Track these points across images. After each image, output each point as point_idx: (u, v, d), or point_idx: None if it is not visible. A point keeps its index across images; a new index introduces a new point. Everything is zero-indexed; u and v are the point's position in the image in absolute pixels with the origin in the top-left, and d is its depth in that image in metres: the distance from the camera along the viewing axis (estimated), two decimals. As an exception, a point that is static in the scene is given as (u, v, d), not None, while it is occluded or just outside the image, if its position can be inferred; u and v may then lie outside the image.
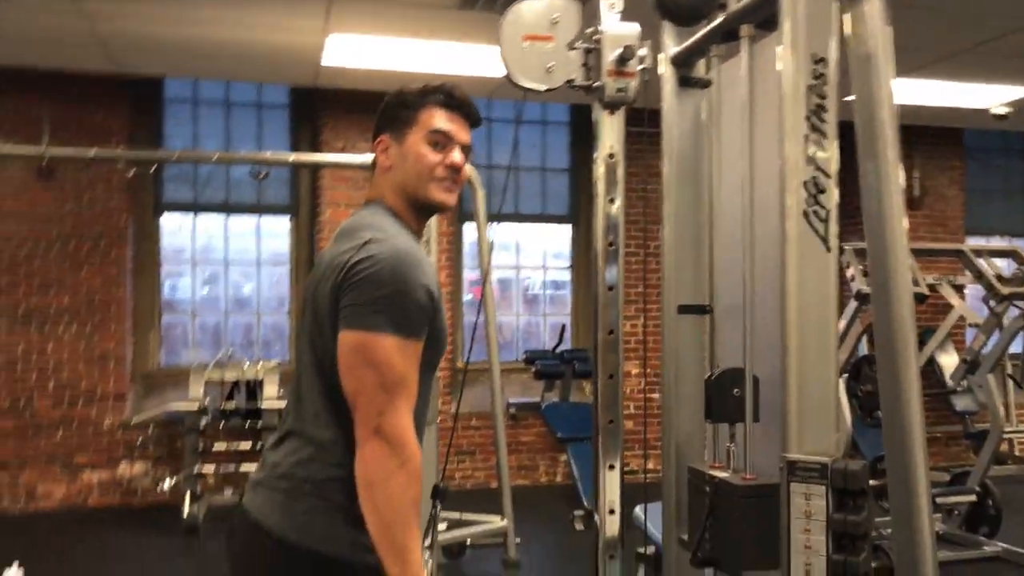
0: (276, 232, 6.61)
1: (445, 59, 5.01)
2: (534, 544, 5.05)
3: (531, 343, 7.19)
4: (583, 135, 6.94)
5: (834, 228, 1.57)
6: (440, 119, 1.67)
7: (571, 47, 1.81)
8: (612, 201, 1.96)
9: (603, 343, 2.01)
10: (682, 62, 2.05)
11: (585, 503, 5.46)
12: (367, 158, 4.80)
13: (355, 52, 5.08)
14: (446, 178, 1.68)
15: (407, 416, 1.50)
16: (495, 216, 6.80)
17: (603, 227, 1.99)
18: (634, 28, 1.82)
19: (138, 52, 5.17)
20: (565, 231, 7.26)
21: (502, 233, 7.05)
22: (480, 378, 5.76)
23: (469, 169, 4.77)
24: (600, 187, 1.98)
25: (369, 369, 1.48)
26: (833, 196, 1.57)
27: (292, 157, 4.97)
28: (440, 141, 1.67)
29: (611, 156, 1.92)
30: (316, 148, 6.29)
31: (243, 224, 6.56)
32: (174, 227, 6.47)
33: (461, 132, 1.70)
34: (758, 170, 1.81)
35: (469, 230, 6.87)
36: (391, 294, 1.50)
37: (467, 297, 7.07)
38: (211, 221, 6.50)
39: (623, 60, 1.79)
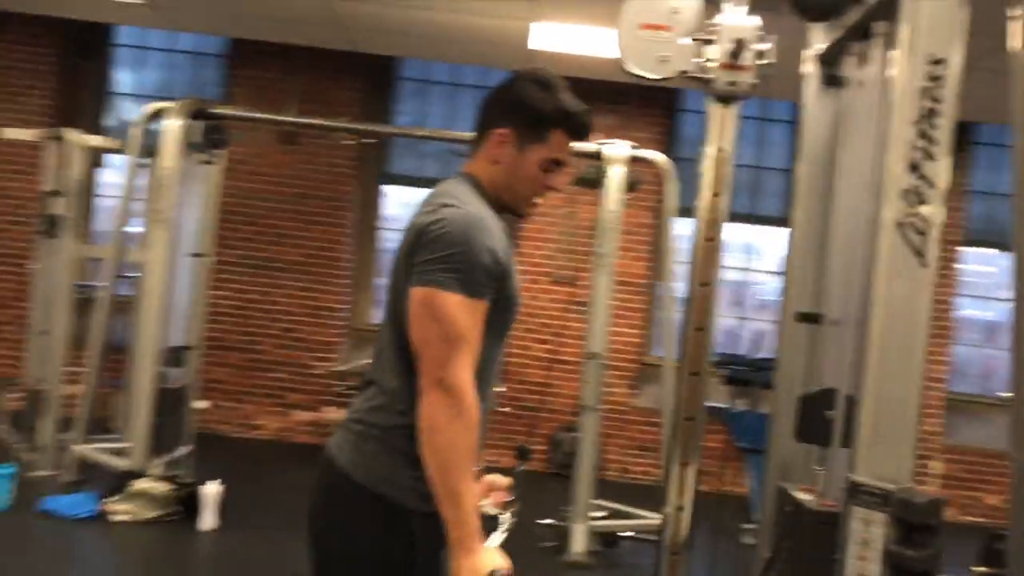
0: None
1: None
2: (696, 549, 4.95)
3: (737, 347, 7.00)
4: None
5: (934, 243, 1.46)
6: (564, 148, 1.73)
7: (692, 39, 1.79)
8: (717, 195, 1.91)
9: (691, 339, 1.97)
10: (828, 60, 1.96)
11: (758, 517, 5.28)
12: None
13: (560, 39, 5.20)
14: (536, 202, 1.76)
15: (468, 370, 1.59)
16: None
17: (705, 221, 1.95)
18: (752, 21, 1.77)
19: (370, 32, 5.59)
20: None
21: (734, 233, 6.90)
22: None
23: (663, 160, 4.77)
24: (706, 180, 1.94)
25: (434, 323, 1.58)
26: (936, 209, 1.46)
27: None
28: (554, 169, 1.74)
29: (720, 151, 1.88)
30: (530, 131, 6.49)
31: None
32: (395, 197, 6.96)
33: (574, 164, 1.78)
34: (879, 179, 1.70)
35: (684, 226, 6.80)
36: (458, 254, 1.58)
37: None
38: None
39: (736, 53, 1.74)
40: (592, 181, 4.68)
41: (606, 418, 6.17)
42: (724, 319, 7.08)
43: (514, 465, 1.87)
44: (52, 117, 6.54)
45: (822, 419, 1.73)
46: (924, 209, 1.46)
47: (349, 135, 5.44)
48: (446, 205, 1.64)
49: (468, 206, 1.65)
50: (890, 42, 1.69)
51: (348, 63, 6.42)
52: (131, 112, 6.96)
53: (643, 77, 1.80)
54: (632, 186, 4.71)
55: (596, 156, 4.67)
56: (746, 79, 1.75)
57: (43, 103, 6.56)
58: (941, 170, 1.46)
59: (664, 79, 1.79)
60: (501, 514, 1.83)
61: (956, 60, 1.46)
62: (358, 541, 1.66)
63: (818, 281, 1.96)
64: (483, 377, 1.67)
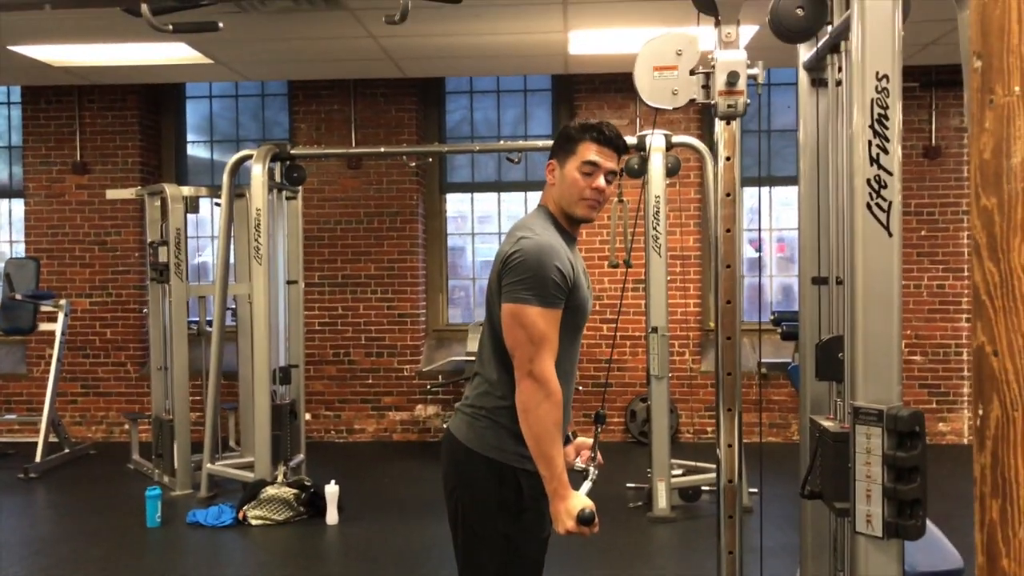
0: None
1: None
2: (772, 495, 5.34)
3: (793, 304, 7.34)
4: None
5: (896, 217, 1.88)
6: (592, 153, 2.16)
7: (692, 72, 2.24)
8: (728, 195, 2.36)
9: (723, 311, 2.42)
10: (812, 67, 2.39)
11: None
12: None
13: (596, 42, 5.63)
14: (590, 199, 2.17)
15: (550, 362, 2.08)
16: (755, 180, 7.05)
17: (723, 216, 2.40)
18: (740, 55, 2.20)
19: (417, 60, 6.10)
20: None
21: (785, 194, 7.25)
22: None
23: (695, 142, 5.18)
24: (720, 185, 2.39)
25: (521, 329, 2.07)
26: (895, 190, 1.88)
27: (540, 143, 5.64)
28: (590, 171, 2.16)
29: (728, 159, 2.33)
30: (573, 128, 6.95)
31: (514, 199, 7.41)
32: (456, 204, 7.49)
33: (608, 161, 2.17)
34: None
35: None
36: (533, 276, 2.06)
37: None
38: (487, 198, 7.43)
39: (731, 83, 2.18)
40: (637, 171, 5.12)
41: (675, 385, 6.62)
42: (779, 278, 7.44)
43: (594, 431, 2.33)
44: (143, 172, 7.24)
45: (836, 360, 2.16)
46: (884, 192, 1.88)
47: (408, 156, 5.98)
48: (523, 237, 2.13)
49: (539, 235, 2.13)
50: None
51: (398, 86, 6.95)
52: (204, 159, 7.63)
53: (662, 109, 2.25)
54: (672, 170, 5.13)
55: (639, 147, 5.11)
56: (742, 101, 2.20)
57: (133, 160, 7.24)
58: (894, 159, 1.89)
59: (676, 108, 2.24)
60: (588, 468, 2.30)
61: (897, 72, 1.88)
62: (481, 493, 2.16)
63: (823, 249, 2.39)
64: (564, 367, 2.15)
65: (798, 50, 2.45)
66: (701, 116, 6.91)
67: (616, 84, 6.83)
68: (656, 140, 5.08)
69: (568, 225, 2.23)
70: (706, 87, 2.27)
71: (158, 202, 5.91)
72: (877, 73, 1.88)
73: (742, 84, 2.20)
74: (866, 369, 1.91)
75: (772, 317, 6.87)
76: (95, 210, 7.20)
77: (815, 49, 2.34)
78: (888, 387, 1.90)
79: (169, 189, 5.73)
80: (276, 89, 7.40)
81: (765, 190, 7.20)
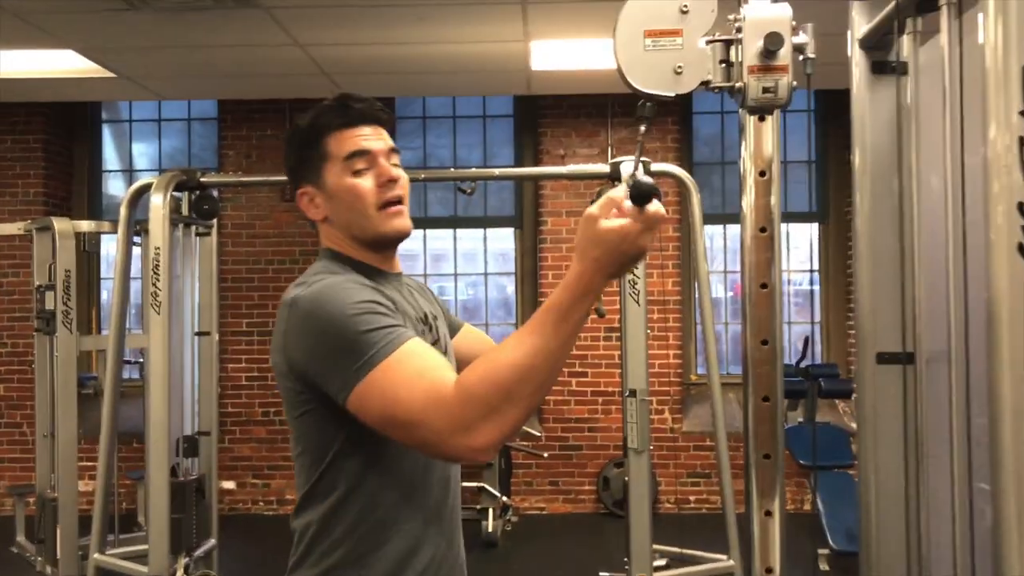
0: (503, 242, 6.60)
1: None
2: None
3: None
4: (834, 122, 6.25)
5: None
6: (349, 140, 1.43)
7: (707, 42, 1.44)
8: (764, 231, 1.55)
9: (756, 356, 1.61)
10: (874, 43, 1.61)
11: (831, 541, 4.86)
12: (581, 168, 4.58)
13: (562, 55, 4.88)
14: (391, 199, 1.43)
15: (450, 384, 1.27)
16: (718, 217, 6.34)
17: (754, 264, 1.59)
18: (784, 11, 1.41)
19: (356, 76, 5.31)
20: (807, 230, 6.58)
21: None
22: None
23: (676, 170, 4.41)
24: (748, 218, 1.58)
25: (382, 402, 1.28)
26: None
27: (497, 171, 4.86)
28: (365, 165, 1.43)
29: (763, 174, 1.52)
30: (538, 156, 6.19)
31: (471, 236, 6.62)
32: (407, 242, 6.66)
33: (378, 140, 1.45)
34: (968, 175, 1.34)
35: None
36: (336, 330, 1.27)
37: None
38: (442, 234, 6.63)
39: (769, 52, 1.39)
40: (609, 204, 4.33)
41: (652, 447, 5.80)
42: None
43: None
44: (47, 205, 6.34)
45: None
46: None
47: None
48: (292, 300, 1.37)
49: (317, 281, 1.38)
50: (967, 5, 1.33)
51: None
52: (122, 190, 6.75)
53: (655, 96, 1.44)
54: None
55: (610, 176, 4.32)
56: (784, 83, 1.40)
57: (36, 191, 6.35)
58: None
59: (680, 94, 1.44)
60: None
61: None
62: None
63: (900, 311, 1.59)
64: (402, 479, 1.37)
65: (850, 19, 1.67)
66: (680, 142, 6.20)
67: (586, 108, 6.08)
68: (625, 167, 4.31)
69: (380, 258, 1.47)
70: (727, 63, 1.46)
71: (48, 239, 5.02)
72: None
73: (785, 56, 1.40)
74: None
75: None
76: (-11, 247, 6.28)
77: (879, 18, 1.57)
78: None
79: (57, 224, 4.84)
80: (205, 112, 6.57)
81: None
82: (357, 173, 1.42)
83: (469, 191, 4.80)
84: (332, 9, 4.09)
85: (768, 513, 1.74)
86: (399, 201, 1.44)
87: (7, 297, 6.32)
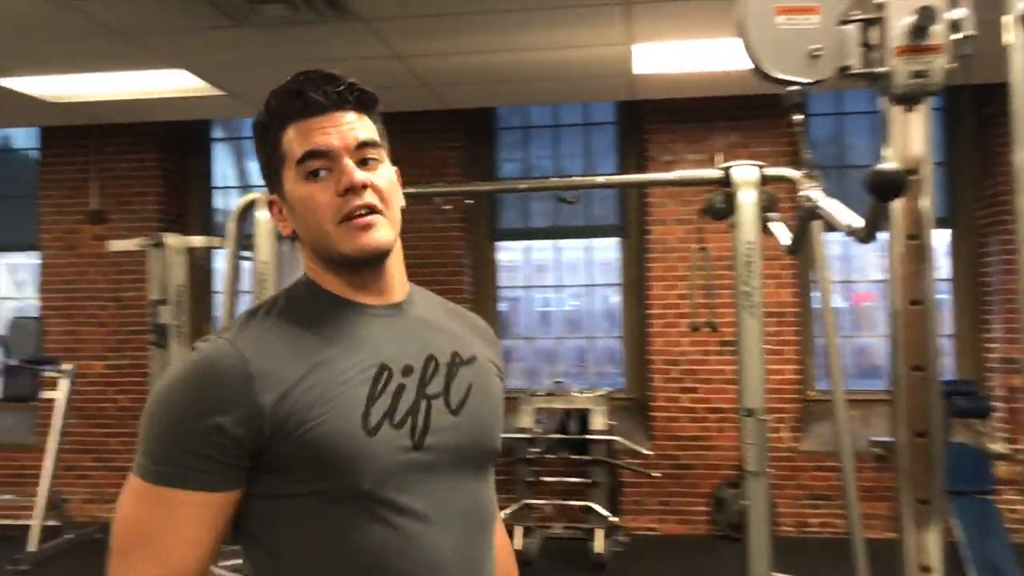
0: (606, 253, 6.43)
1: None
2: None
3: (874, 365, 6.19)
4: (961, 120, 5.82)
5: None
6: (303, 136, 1.14)
7: (844, 22, 1.25)
8: (915, 239, 1.34)
9: (907, 384, 1.39)
10: (1043, 17, 1.37)
11: (970, 573, 4.47)
12: (691, 173, 4.38)
13: (666, 58, 4.68)
14: (351, 211, 1.12)
15: None
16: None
17: (903, 277, 1.38)
18: (938, -20, 1.21)
19: (457, 86, 5.25)
20: (941, 235, 6.14)
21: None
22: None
23: (793, 174, 4.11)
24: (894, 226, 1.37)
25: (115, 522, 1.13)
26: None
27: (601, 179, 4.68)
28: (320, 166, 1.13)
29: (911, 173, 1.31)
30: (643, 163, 5.99)
31: (574, 247, 6.47)
32: (508, 253, 6.57)
33: (342, 134, 1.14)
34: None
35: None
36: (150, 420, 1.10)
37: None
38: (544, 245, 6.51)
39: (920, 30, 1.18)
40: (721, 211, 4.10)
41: (770, 466, 5.49)
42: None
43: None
44: (162, 221, 6.53)
45: None
46: None
47: (447, 198, 5.07)
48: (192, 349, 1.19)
49: (220, 338, 1.14)
50: None
51: (442, 120, 6.11)
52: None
53: (788, 82, 1.25)
54: (767, 210, 4.10)
55: (722, 182, 4.10)
56: (939, 64, 1.19)
57: (152, 208, 6.56)
58: None
59: (818, 81, 1.25)
60: None
61: None
62: None
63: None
64: None
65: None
66: (792, 144, 5.87)
67: (692, 112, 5.84)
68: (745, 173, 4.06)
69: (358, 282, 1.18)
70: (868, 46, 1.26)
71: (162, 255, 5.15)
72: None
73: (939, 33, 1.20)
74: None
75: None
76: (111, 263, 6.50)
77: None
78: None
79: (169, 239, 4.96)
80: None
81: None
82: (312, 178, 1.13)
83: (572, 200, 4.68)
84: (431, 19, 4.02)
85: (926, 570, 1.51)
86: (368, 211, 1.13)
87: (126, 311, 6.52)
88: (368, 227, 1.12)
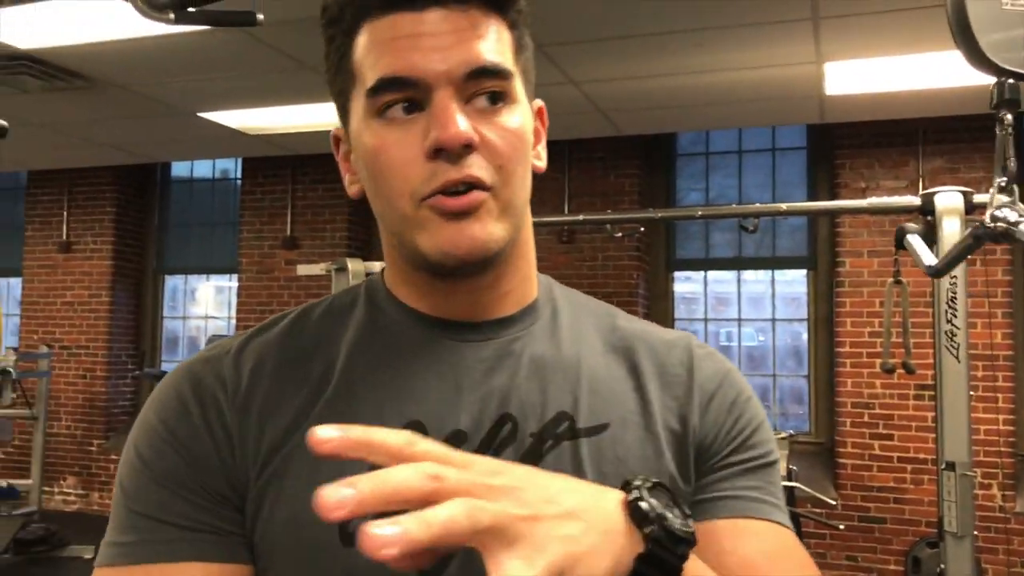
0: (793, 286, 6.04)
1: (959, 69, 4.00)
2: None
3: None
4: None
5: None
6: (379, 48, 0.69)
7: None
8: None
9: None
10: None
11: None
12: (885, 201, 4.02)
13: (861, 77, 4.33)
14: (440, 189, 0.68)
15: None
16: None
17: None
18: None
19: (633, 112, 5.12)
20: None
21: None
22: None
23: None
24: None
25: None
26: None
27: (784, 206, 4.36)
28: (399, 99, 0.69)
29: None
30: (834, 190, 5.59)
31: (757, 278, 6.13)
32: (688, 284, 6.33)
33: (444, 50, 0.67)
34: None
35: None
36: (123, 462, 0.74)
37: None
38: (724, 276, 6.21)
39: None
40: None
41: (978, 528, 4.91)
42: None
43: None
44: (350, 247, 6.81)
45: None
46: None
47: (621, 226, 4.94)
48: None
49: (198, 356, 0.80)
50: None
51: (618, 148, 6.00)
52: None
53: (1015, 75, 1.04)
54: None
55: (922, 210, 3.72)
56: None
57: (341, 235, 6.85)
58: None
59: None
60: None
61: None
62: None
63: None
64: None
65: None
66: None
67: (890, 135, 5.39)
68: (949, 200, 3.66)
69: (446, 290, 0.75)
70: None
71: (345, 279, 5.33)
72: None
73: None
74: None
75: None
76: (301, 286, 6.84)
77: None
78: None
79: (351, 264, 5.12)
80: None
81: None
82: (385, 120, 0.69)
83: (752, 228, 4.40)
84: (605, 42, 3.93)
85: None
86: (468, 187, 0.68)
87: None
88: (465, 214, 0.68)
